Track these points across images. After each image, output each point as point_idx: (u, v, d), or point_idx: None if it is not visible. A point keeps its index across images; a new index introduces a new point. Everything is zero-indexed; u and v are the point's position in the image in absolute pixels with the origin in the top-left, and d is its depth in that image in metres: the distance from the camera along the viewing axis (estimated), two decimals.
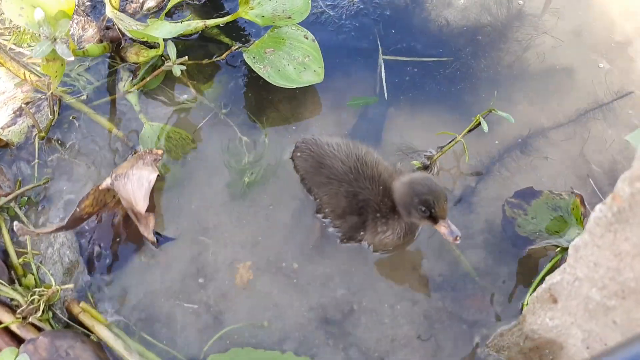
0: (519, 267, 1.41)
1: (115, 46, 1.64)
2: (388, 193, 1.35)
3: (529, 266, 1.41)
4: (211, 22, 1.65)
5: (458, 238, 1.26)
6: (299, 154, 1.45)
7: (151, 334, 1.31)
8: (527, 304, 1.33)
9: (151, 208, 1.32)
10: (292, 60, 1.57)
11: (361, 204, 1.36)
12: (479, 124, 1.45)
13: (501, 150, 1.58)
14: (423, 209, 1.26)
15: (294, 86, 1.55)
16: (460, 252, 1.43)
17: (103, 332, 1.28)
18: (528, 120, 1.62)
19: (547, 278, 1.09)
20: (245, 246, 1.42)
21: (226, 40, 1.71)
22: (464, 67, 1.71)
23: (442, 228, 1.27)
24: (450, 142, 1.53)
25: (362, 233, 1.37)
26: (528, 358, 1.21)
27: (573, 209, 1.42)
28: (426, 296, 1.38)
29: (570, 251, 0.98)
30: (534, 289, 1.36)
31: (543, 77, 1.71)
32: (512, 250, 1.43)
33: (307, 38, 1.60)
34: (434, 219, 1.27)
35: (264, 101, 1.62)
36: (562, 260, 1.39)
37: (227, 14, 1.72)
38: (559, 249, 1.40)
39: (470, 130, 1.50)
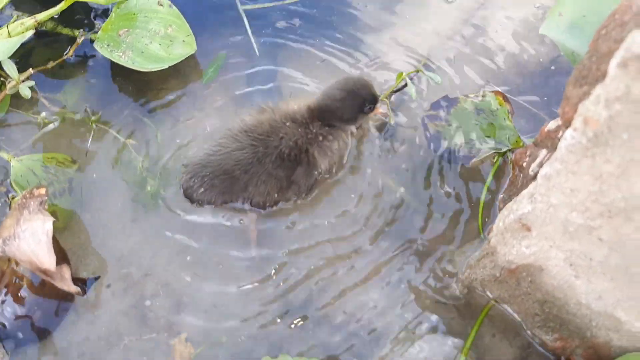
0: (461, 184, 1.35)
1: None
2: (312, 113, 1.27)
3: (471, 179, 1.35)
4: (42, 15, 1.36)
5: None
6: (197, 185, 1.24)
7: None
8: (480, 219, 1.30)
9: (61, 258, 1.13)
10: (154, 36, 1.34)
11: (293, 150, 1.24)
12: (404, 84, 1.40)
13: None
14: (371, 107, 1.27)
15: (167, 65, 1.33)
16: (397, 185, 1.34)
17: None
18: (417, 35, 1.52)
19: (513, 207, 1.03)
20: (172, 258, 1.26)
21: (67, 31, 1.43)
22: None
23: (382, 109, 1.32)
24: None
25: (315, 172, 1.28)
26: (504, 283, 1.17)
27: (500, 107, 1.37)
28: (379, 246, 1.29)
29: (540, 181, 0.91)
30: (483, 203, 1.32)
31: None
32: (448, 168, 1.36)
33: (162, 5, 1.37)
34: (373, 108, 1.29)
35: (137, 91, 1.39)
36: (504, 165, 1.35)
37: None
38: (497, 155, 1.35)
39: (395, 91, 1.42)
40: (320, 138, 1.26)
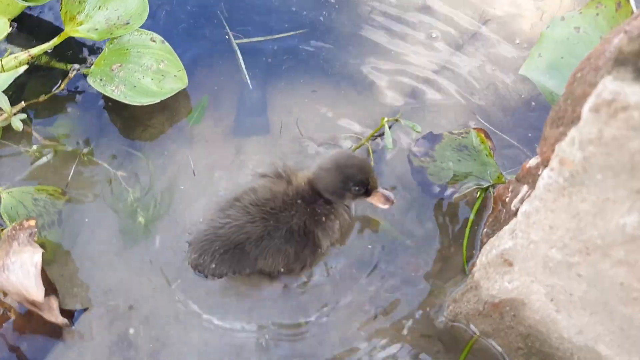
0: (445, 218, 1.37)
1: None
2: (312, 185, 1.25)
3: (455, 214, 1.38)
4: (36, 50, 1.39)
5: (393, 201, 1.24)
6: (208, 262, 1.23)
7: None
8: (465, 254, 1.32)
9: (49, 289, 1.13)
10: (146, 71, 1.37)
11: (302, 228, 1.23)
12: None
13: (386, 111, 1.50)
14: (358, 189, 1.21)
15: (158, 100, 1.35)
16: (382, 220, 1.36)
17: None
18: (403, 64, 1.56)
19: (495, 243, 1.05)
20: (159, 289, 1.27)
21: (60, 65, 1.45)
22: (325, 33, 1.58)
23: (376, 199, 1.24)
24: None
25: (319, 250, 1.27)
26: (488, 317, 1.19)
27: (481, 144, 1.39)
28: (366, 281, 1.31)
29: (520, 217, 0.93)
30: (467, 238, 1.34)
31: (403, 19, 1.62)
32: (432, 203, 1.38)
33: (154, 41, 1.40)
34: (367, 193, 1.23)
35: (127, 125, 1.41)
36: (486, 200, 1.37)
37: (53, 34, 1.44)
38: (479, 190, 1.38)
39: (375, 136, 1.45)
40: (324, 219, 1.25)
